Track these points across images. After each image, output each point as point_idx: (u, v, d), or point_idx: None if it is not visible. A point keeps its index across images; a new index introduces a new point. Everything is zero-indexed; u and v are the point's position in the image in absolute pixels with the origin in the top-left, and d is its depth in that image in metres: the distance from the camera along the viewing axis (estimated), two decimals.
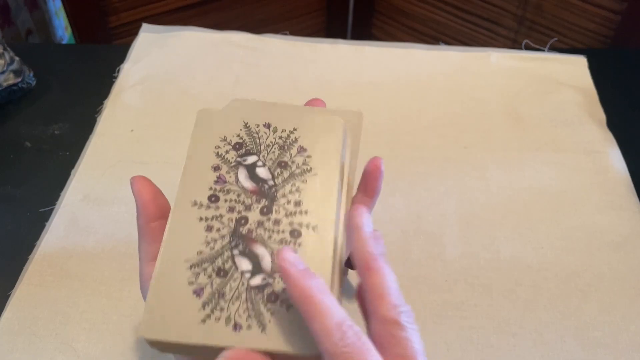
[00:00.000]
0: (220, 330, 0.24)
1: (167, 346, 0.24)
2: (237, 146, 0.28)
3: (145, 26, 0.67)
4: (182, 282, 0.25)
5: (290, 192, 0.27)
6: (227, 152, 0.28)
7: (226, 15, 1.13)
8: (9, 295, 0.43)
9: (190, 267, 0.25)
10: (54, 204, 0.49)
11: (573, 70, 0.62)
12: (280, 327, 0.23)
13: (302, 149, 0.28)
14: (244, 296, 0.24)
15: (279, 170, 0.27)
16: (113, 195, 0.49)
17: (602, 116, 0.57)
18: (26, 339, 0.40)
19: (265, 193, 0.27)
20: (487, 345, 0.40)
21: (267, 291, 0.24)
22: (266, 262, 0.25)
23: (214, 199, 0.27)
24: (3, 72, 0.58)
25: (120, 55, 0.63)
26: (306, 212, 0.26)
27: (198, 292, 0.25)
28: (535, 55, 0.63)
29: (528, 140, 0.55)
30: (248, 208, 0.26)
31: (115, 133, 0.55)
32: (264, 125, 0.29)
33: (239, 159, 0.28)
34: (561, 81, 0.60)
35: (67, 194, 0.49)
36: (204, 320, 0.24)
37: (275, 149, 0.28)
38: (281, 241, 0.25)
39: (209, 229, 0.26)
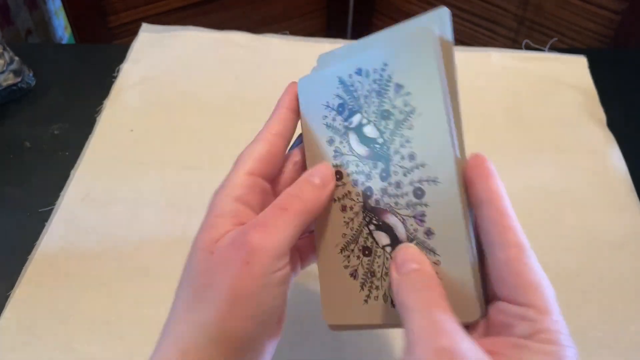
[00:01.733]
0: (381, 309, 0.24)
1: (343, 327, 0.26)
2: (340, 108, 0.26)
3: (145, 26, 0.67)
4: (339, 267, 0.26)
5: (401, 145, 0.24)
6: (333, 119, 0.27)
7: (226, 15, 1.13)
8: (9, 295, 0.43)
9: (341, 251, 0.26)
10: (54, 204, 0.49)
11: (573, 70, 0.61)
12: None
13: (398, 87, 0.24)
14: None
15: (383, 122, 0.25)
16: (113, 195, 0.49)
17: (602, 116, 0.57)
18: (26, 339, 0.40)
19: (378, 154, 0.25)
20: None
21: None
22: (400, 231, 0.24)
23: (338, 175, 0.26)
24: (3, 72, 0.57)
25: (120, 55, 0.63)
26: (423, 165, 0.24)
27: (354, 274, 0.26)
28: (535, 55, 0.63)
29: (528, 140, 0.54)
30: (368, 177, 0.25)
31: (115, 133, 0.55)
32: (356, 73, 0.26)
33: (345, 123, 0.26)
34: (561, 81, 0.60)
35: (66, 194, 0.49)
36: (366, 301, 0.25)
37: (373, 97, 0.25)
38: (408, 205, 0.24)
39: (344, 208, 0.26)
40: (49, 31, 1.13)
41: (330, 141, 0.27)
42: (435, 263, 0.23)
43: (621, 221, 0.47)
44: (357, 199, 0.26)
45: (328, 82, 0.27)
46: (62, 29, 1.18)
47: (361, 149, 0.26)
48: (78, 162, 0.52)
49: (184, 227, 0.46)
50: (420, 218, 0.24)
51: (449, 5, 0.97)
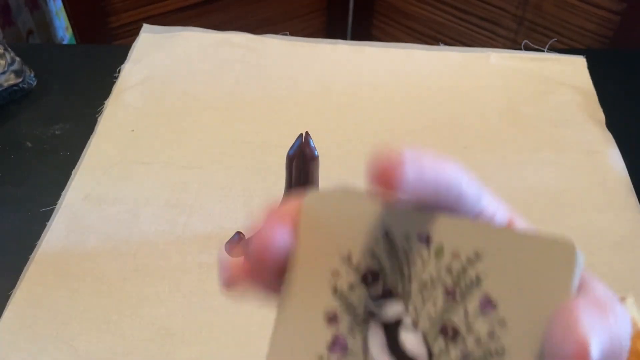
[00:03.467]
0: None
1: None
2: (370, 276, 0.16)
3: (145, 27, 0.67)
4: None
5: None
6: (351, 286, 0.16)
7: (226, 15, 1.13)
8: (10, 294, 0.43)
9: None
10: (55, 204, 0.49)
11: (572, 71, 0.62)
12: None
13: (489, 304, 0.15)
14: None
15: (441, 342, 0.15)
16: (114, 195, 0.49)
17: (601, 116, 0.57)
18: (27, 338, 0.40)
19: None
20: None
21: None
22: None
23: None
24: (4, 73, 0.58)
25: (121, 55, 0.63)
26: None
27: None
28: (534, 56, 0.63)
29: (527, 140, 0.55)
30: None
31: (115, 133, 0.55)
32: (420, 239, 0.15)
33: (372, 306, 0.16)
34: (560, 81, 0.61)
35: (68, 194, 0.49)
36: None
37: (437, 293, 0.15)
38: None
39: None
40: (50, 32, 1.13)
41: (332, 319, 0.16)
42: None
43: (620, 221, 0.47)
44: None
45: (361, 222, 0.16)
46: (63, 29, 1.18)
47: None
48: (79, 162, 0.53)
49: (184, 227, 0.47)
50: None
51: (449, 5, 0.97)
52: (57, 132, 0.56)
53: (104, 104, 0.58)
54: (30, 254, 0.45)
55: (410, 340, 0.15)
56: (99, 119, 0.57)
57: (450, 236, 0.15)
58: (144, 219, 0.47)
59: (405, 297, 0.15)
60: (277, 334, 0.16)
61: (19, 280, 0.43)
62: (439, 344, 0.15)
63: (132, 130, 0.56)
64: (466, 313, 0.15)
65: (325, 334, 0.16)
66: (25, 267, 0.44)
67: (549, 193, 0.50)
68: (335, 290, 0.16)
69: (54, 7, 1.13)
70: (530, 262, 0.15)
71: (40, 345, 0.40)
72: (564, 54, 0.64)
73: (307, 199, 0.16)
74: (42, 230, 0.47)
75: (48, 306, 0.42)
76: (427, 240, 0.15)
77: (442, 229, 0.15)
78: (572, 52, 0.64)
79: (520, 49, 0.66)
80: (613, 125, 0.56)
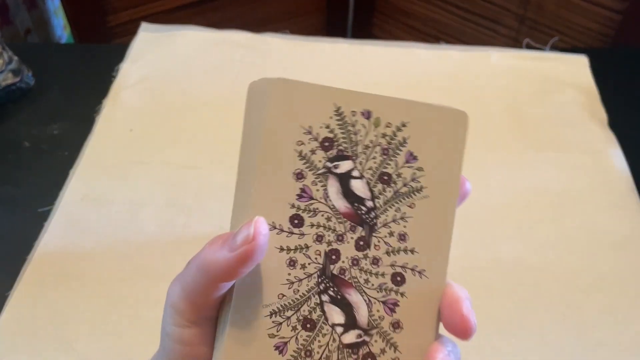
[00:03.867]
0: None
1: None
2: (327, 143, 0.21)
3: (144, 25, 0.67)
4: (261, 333, 0.20)
5: (394, 220, 0.21)
6: (313, 151, 0.21)
7: (226, 14, 1.13)
8: (8, 295, 0.42)
9: (271, 314, 0.20)
10: (53, 204, 0.49)
11: (574, 70, 0.61)
12: None
13: (411, 157, 0.21)
14: (335, 356, 0.20)
15: (380, 186, 0.21)
16: (112, 195, 0.49)
17: (603, 116, 0.57)
18: (25, 339, 0.40)
19: (362, 219, 0.21)
20: (488, 345, 0.40)
21: (362, 351, 0.20)
22: (362, 313, 0.21)
23: (297, 221, 0.21)
24: (2, 72, 0.57)
25: (119, 54, 0.63)
26: (412, 251, 0.21)
27: (281, 348, 0.20)
28: (536, 55, 0.63)
29: (529, 140, 0.54)
30: (340, 238, 0.21)
31: (114, 133, 0.55)
32: (363, 114, 0.21)
33: (329, 164, 0.21)
34: (562, 81, 0.60)
35: (66, 194, 0.49)
36: None
37: (376, 152, 0.21)
38: (381, 287, 0.21)
39: (292, 263, 0.21)
40: (48, 31, 1.12)
41: (299, 175, 0.21)
42: (394, 359, 0.20)
43: (622, 221, 0.47)
44: (316, 258, 0.21)
45: (319, 103, 0.21)
46: (61, 28, 1.17)
47: (340, 204, 0.21)
48: (77, 161, 0.52)
49: (184, 227, 0.46)
50: (391, 307, 0.21)
51: (450, 4, 0.97)
52: (55, 132, 0.56)
53: (102, 103, 0.58)
54: (28, 254, 0.45)
55: (358, 185, 0.21)
56: (97, 119, 0.57)
57: (384, 111, 0.21)
58: (142, 219, 0.47)
59: (353, 156, 0.21)
60: (256, 190, 0.21)
61: (17, 281, 0.43)
62: (378, 187, 0.21)
63: (131, 130, 0.55)
64: (396, 164, 0.21)
65: (294, 187, 0.21)
66: (23, 268, 0.44)
67: (550, 193, 0.50)
68: (301, 155, 0.21)
69: (52, 6, 1.13)
70: (439, 126, 0.22)
71: (39, 346, 0.39)
72: (565, 53, 0.63)
73: (273, 84, 0.21)
74: (40, 231, 0.46)
75: (46, 307, 0.42)
76: (368, 114, 0.21)
77: (379, 106, 0.21)
78: (574, 51, 0.64)
79: (522, 48, 0.65)
80: (615, 124, 0.56)
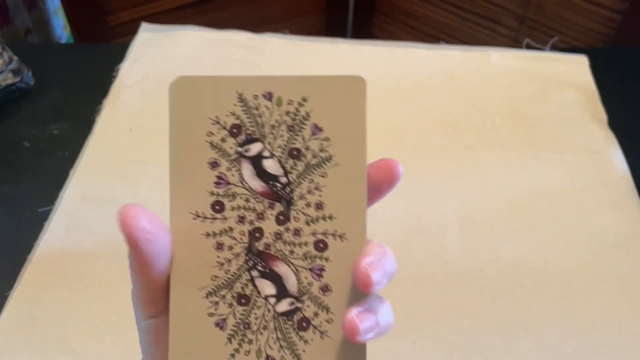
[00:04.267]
0: None
1: None
2: (235, 130, 0.22)
3: (144, 25, 0.67)
4: (201, 314, 0.22)
5: (309, 191, 0.22)
6: (223, 139, 0.22)
7: (226, 14, 1.12)
8: (8, 295, 0.42)
9: (207, 295, 0.22)
10: (53, 204, 0.49)
11: (574, 70, 0.61)
12: (316, 356, 0.22)
13: (317, 129, 0.22)
14: (272, 325, 0.22)
15: (291, 161, 0.22)
16: (112, 194, 0.49)
17: (603, 116, 0.57)
18: (25, 339, 0.40)
19: (279, 194, 0.22)
20: (488, 345, 0.40)
21: (297, 317, 0.22)
22: (291, 282, 0.22)
23: (218, 207, 0.22)
24: (2, 72, 0.57)
25: (119, 54, 0.63)
26: (331, 218, 0.22)
27: (221, 325, 0.22)
28: (536, 55, 0.63)
29: (529, 140, 0.54)
30: (261, 216, 0.22)
31: (114, 133, 0.55)
32: (265, 97, 0.22)
33: (239, 149, 0.22)
34: (562, 81, 0.60)
35: (66, 194, 0.49)
36: (232, 355, 0.22)
37: (283, 130, 0.22)
38: (305, 256, 0.22)
39: (219, 246, 0.22)
40: (48, 31, 1.12)
41: (214, 164, 0.22)
42: (327, 321, 0.22)
43: (622, 221, 0.47)
44: (241, 238, 0.22)
45: (222, 94, 0.22)
46: (61, 28, 1.17)
47: (256, 184, 0.22)
48: (77, 162, 0.52)
49: None
50: (317, 272, 0.22)
51: (450, 4, 0.96)
52: (55, 132, 0.56)
53: (102, 103, 0.58)
54: (28, 254, 0.45)
55: (270, 164, 0.22)
56: (97, 119, 0.56)
57: (284, 90, 0.22)
58: None
59: (262, 138, 0.22)
60: (174, 184, 0.23)
61: (17, 281, 0.43)
62: (289, 163, 0.22)
63: (131, 130, 0.55)
64: (303, 138, 0.22)
65: (211, 176, 0.22)
66: (23, 268, 0.44)
67: (551, 193, 0.50)
68: (212, 145, 0.22)
69: (52, 6, 1.13)
70: (338, 95, 0.23)
71: (39, 346, 0.39)
72: (565, 53, 0.63)
73: (176, 83, 0.23)
74: (40, 231, 0.46)
75: (46, 307, 0.42)
76: (269, 96, 0.22)
77: (278, 86, 0.22)
78: (574, 51, 0.64)
79: (522, 48, 0.65)
80: (615, 124, 0.56)
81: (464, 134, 0.55)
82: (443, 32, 1.11)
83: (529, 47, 0.65)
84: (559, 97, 0.59)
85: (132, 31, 0.67)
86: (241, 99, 0.22)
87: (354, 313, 0.20)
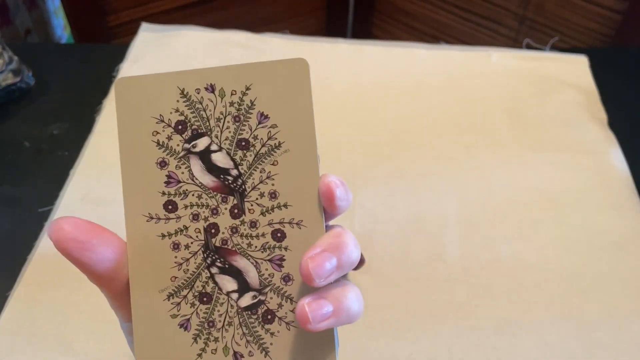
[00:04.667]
0: None
1: None
2: (180, 126, 0.22)
3: (144, 25, 0.67)
4: (164, 316, 0.22)
5: (261, 181, 0.22)
6: (169, 137, 0.22)
7: (226, 14, 1.12)
8: (8, 295, 0.42)
9: (168, 297, 0.22)
10: (53, 204, 0.49)
11: (574, 70, 0.61)
12: (283, 348, 0.22)
13: (263, 117, 0.22)
14: (236, 320, 0.22)
15: (240, 152, 0.22)
16: (112, 195, 0.49)
17: (603, 116, 0.57)
18: (25, 339, 0.40)
19: (231, 188, 0.22)
20: (488, 345, 0.40)
21: (261, 310, 0.22)
22: (252, 275, 0.22)
23: (170, 206, 0.22)
24: (2, 72, 0.57)
25: (119, 54, 0.63)
26: (285, 206, 0.22)
27: (185, 325, 0.22)
28: (536, 55, 0.63)
29: (529, 140, 0.54)
30: (215, 212, 0.22)
31: (114, 132, 0.55)
32: (207, 89, 0.22)
33: (186, 145, 0.22)
34: (562, 81, 0.60)
35: (66, 194, 0.49)
36: (199, 355, 0.22)
37: (229, 121, 0.22)
38: (264, 247, 0.22)
39: (176, 247, 0.22)
40: (48, 31, 1.12)
41: (162, 164, 0.22)
42: (292, 312, 0.22)
43: (621, 221, 0.47)
44: (197, 236, 0.22)
45: (164, 91, 0.22)
46: (61, 28, 1.17)
47: (207, 179, 0.22)
48: (77, 161, 0.52)
49: None
50: (277, 262, 0.22)
51: (450, 4, 0.96)
52: (55, 132, 0.56)
53: (102, 103, 0.58)
54: (28, 254, 0.45)
55: (218, 158, 0.22)
56: (97, 119, 0.57)
57: (226, 81, 0.22)
58: None
59: (208, 132, 0.22)
60: (125, 187, 0.22)
61: (17, 281, 0.43)
62: (239, 154, 0.22)
63: None
64: (250, 128, 0.22)
65: (161, 175, 0.22)
66: (23, 268, 0.44)
67: (551, 193, 0.50)
68: (159, 144, 0.22)
69: (52, 6, 1.13)
70: (281, 79, 0.22)
71: (39, 346, 0.39)
72: (565, 53, 0.63)
73: (117, 84, 0.22)
74: (40, 231, 0.46)
75: (46, 307, 0.42)
76: (212, 88, 0.22)
77: (220, 77, 0.22)
78: (574, 51, 0.64)
79: (522, 48, 0.65)
80: (615, 124, 0.56)
81: (464, 134, 0.55)
82: (443, 32, 1.11)
83: (529, 47, 0.65)
84: (559, 97, 0.59)
85: (132, 31, 0.67)
86: (184, 94, 0.22)
87: (305, 301, 0.20)
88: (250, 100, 0.22)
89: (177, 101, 0.22)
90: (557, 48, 0.65)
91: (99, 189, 0.50)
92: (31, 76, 0.60)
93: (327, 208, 0.21)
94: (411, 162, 0.52)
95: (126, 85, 0.22)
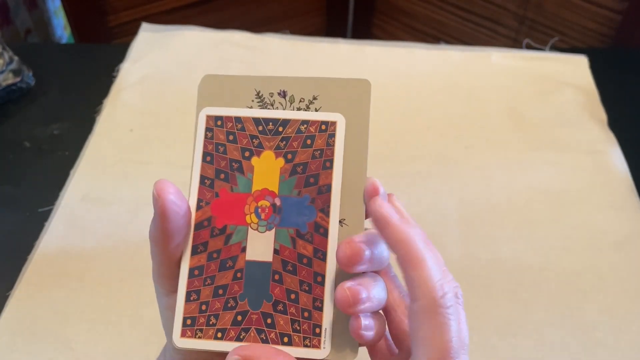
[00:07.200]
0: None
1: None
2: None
3: (145, 25, 0.67)
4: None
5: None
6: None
7: (226, 14, 1.13)
8: (8, 295, 0.42)
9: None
10: (53, 204, 0.49)
11: (574, 70, 0.61)
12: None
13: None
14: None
15: None
16: (112, 195, 0.49)
17: (603, 116, 0.57)
18: (25, 339, 0.40)
19: None
20: (488, 345, 0.40)
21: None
22: None
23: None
24: (2, 72, 0.57)
25: (120, 54, 0.63)
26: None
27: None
28: (536, 55, 0.63)
29: (529, 140, 0.54)
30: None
31: (114, 133, 0.55)
32: (279, 94, 0.25)
33: None
34: (562, 81, 0.60)
35: (66, 194, 0.49)
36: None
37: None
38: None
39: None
40: (48, 31, 1.12)
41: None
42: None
43: (621, 221, 0.47)
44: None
45: (242, 90, 0.25)
46: (61, 28, 1.17)
47: None
48: (77, 161, 0.52)
49: None
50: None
51: (450, 4, 0.96)
52: (55, 132, 0.56)
53: (102, 103, 0.58)
54: (29, 254, 0.45)
55: None
56: (97, 119, 0.57)
57: (297, 89, 0.25)
58: (142, 219, 0.47)
59: None
60: (195, 172, 0.25)
61: (17, 281, 0.43)
62: None
63: (131, 130, 0.55)
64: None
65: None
66: (24, 268, 0.44)
67: (550, 193, 0.50)
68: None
69: (52, 6, 1.13)
70: (345, 94, 0.25)
71: (39, 346, 0.39)
72: (565, 53, 0.63)
73: (203, 80, 0.26)
74: (41, 231, 0.46)
75: (46, 307, 0.42)
76: (284, 94, 0.25)
77: (291, 85, 0.25)
78: (574, 51, 0.64)
79: (522, 48, 0.65)
80: (615, 124, 0.56)
81: (464, 134, 0.55)
82: (443, 32, 1.11)
83: (529, 47, 0.65)
84: (559, 97, 0.59)
85: (132, 31, 0.67)
86: (259, 95, 0.25)
87: (345, 285, 0.21)
88: (315, 109, 0.25)
89: (252, 100, 0.25)
90: (557, 48, 0.65)
91: (99, 189, 0.50)
92: (31, 76, 0.60)
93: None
94: (411, 162, 0.52)
95: (209, 82, 0.26)
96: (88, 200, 0.49)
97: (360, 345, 0.23)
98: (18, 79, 0.58)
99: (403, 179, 0.51)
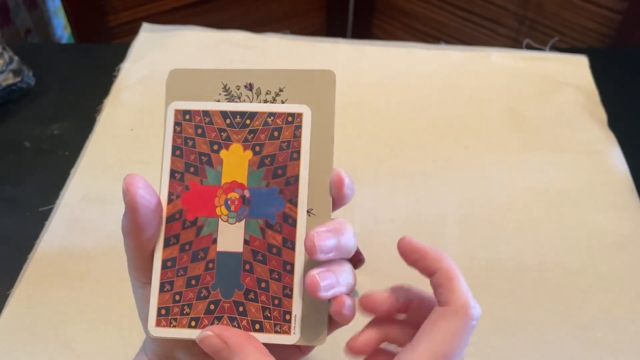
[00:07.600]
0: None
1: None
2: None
3: (145, 25, 0.67)
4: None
5: None
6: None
7: (226, 14, 1.13)
8: (9, 294, 0.42)
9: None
10: (54, 204, 0.49)
11: (574, 70, 0.61)
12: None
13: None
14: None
15: None
16: (112, 194, 0.49)
17: (603, 116, 0.57)
18: (25, 339, 0.40)
19: None
20: (488, 345, 0.40)
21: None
22: None
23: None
24: (2, 72, 0.57)
25: (120, 54, 0.63)
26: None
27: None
28: (536, 55, 0.63)
29: (529, 140, 0.54)
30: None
31: (114, 132, 0.55)
32: (246, 87, 0.25)
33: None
34: (562, 81, 0.60)
35: (66, 194, 0.49)
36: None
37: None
38: None
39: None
40: (48, 31, 1.12)
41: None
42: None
43: (621, 221, 0.47)
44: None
45: (209, 84, 0.25)
46: (61, 28, 1.17)
47: None
48: (78, 161, 0.52)
49: None
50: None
51: (450, 4, 0.96)
52: (55, 132, 0.56)
53: (103, 103, 0.58)
54: (29, 253, 0.45)
55: None
56: (97, 119, 0.57)
57: (263, 81, 0.25)
58: None
59: None
60: (165, 165, 0.25)
61: (17, 281, 0.43)
62: None
63: (132, 130, 0.55)
64: None
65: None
66: (24, 267, 0.44)
67: (550, 193, 0.50)
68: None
69: (52, 6, 1.13)
70: (310, 85, 0.25)
71: (39, 346, 0.39)
72: (565, 53, 0.63)
73: (171, 74, 0.26)
74: (41, 230, 0.46)
75: (46, 306, 0.42)
76: (250, 86, 0.25)
77: (258, 78, 0.25)
78: (574, 52, 0.64)
79: (522, 48, 0.65)
80: (615, 124, 0.56)
81: (463, 133, 0.55)
82: (443, 32, 1.11)
83: (529, 47, 0.65)
84: (559, 97, 0.59)
85: (132, 31, 0.67)
86: (225, 88, 0.25)
87: (315, 272, 0.22)
88: (282, 101, 0.25)
89: (219, 94, 0.25)
90: (557, 48, 0.65)
91: (99, 189, 0.50)
92: (31, 76, 0.60)
93: (336, 195, 0.24)
94: (411, 162, 0.52)
95: (176, 76, 0.26)
96: (88, 200, 0.49)
97: (332, 329, 0.24)
98: (18, 79, 0.58)
99: (403, 179, 0.51)
